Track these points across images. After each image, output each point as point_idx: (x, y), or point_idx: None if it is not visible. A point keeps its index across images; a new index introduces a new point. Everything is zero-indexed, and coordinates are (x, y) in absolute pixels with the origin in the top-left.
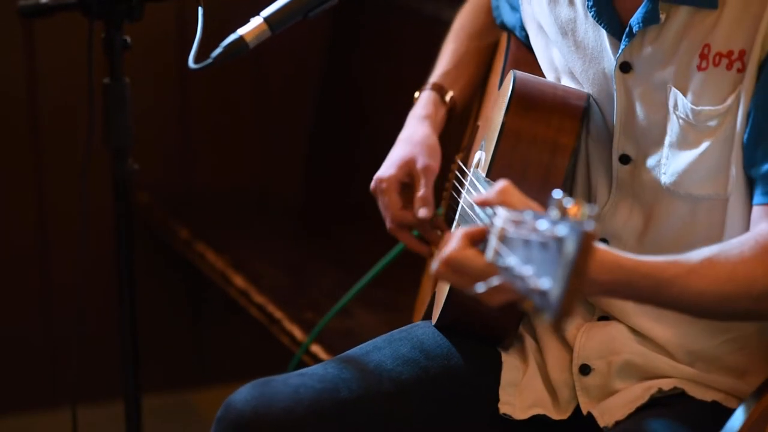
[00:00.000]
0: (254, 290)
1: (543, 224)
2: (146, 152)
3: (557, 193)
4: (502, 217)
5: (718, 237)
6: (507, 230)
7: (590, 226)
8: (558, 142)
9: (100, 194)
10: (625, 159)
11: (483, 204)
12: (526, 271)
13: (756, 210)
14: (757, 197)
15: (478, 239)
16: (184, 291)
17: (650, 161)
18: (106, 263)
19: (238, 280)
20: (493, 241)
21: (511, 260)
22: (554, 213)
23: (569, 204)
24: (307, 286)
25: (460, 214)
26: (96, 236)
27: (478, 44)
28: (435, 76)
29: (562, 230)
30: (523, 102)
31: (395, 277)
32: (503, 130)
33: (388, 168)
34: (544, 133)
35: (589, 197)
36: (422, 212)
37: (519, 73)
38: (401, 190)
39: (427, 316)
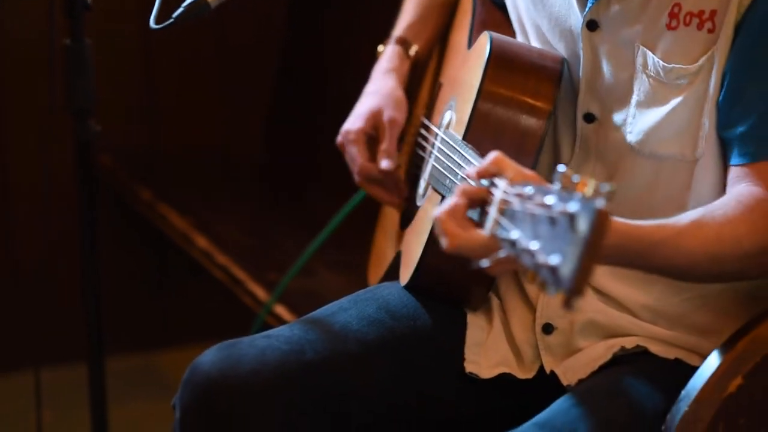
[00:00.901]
0: (217, 251)
1: (551, 199)
2: (109, 114)
3: (561, 167)
4: (502, 188)
5: (681, 198)
6: (508, 202)
7: (602, 204)
8: (535, 106)
9: (63, 156)
10: (589, 117)
11: (481, 175)
12: (533, 245)
13: (733, 170)
14: (734, 158)
15: (476, 202)
16: (148, 253)
17: (615, 120)
18: (70, 225)
19: (201, 242)
20: (492, 213)
21: (515, 233)
22: (560, 187)
23: (577, 179)
24: (270, 247)
25: (432, 175)
26: (59, 198)
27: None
28: (399, 29)
29: (573, 206)
30: (499, 65)
31: (357, 236)
32: (480, 94)
33: (354, 120)
34: (520, 97)
35: (554, 155)
36: (385, 164)
37: (495, 35)
38: (368, 142)
39: (390, 275)
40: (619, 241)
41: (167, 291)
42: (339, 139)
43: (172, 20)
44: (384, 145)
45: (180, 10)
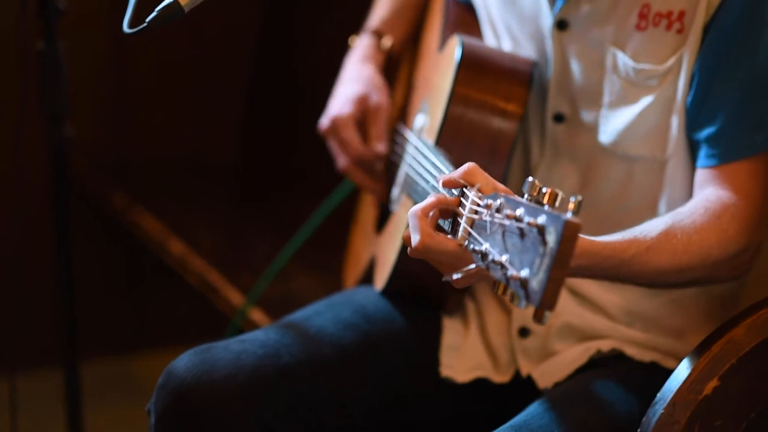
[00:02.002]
0: (191, 256)
1: (520, 211)
2: (82, 119)
3: (531, 179)
4: (472, 199)
5: (653, 200)
6: (478, 214)
7: (572, 216)
8: (506, 109)
9: (36, 161)
10: (559, 118)
11: (449, 185)
12: (503, 258)
13: (700, 173)
14: (701, 160)
15: (446, 215)
16: (122, 257)
17: (586, 120)
18: (44, 230)
19: (175, 247)
20: (463, 223)
21: (485, 245)
22: (529, 199)
23: (545, 190)
24: (245, 252)
25: (405, 181)
26: (33, 204)
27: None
28: (373, 22)
29: (541, 219)
30: (471, 69)
31: (332, 239)
32: (451, 98)
33: (342, 105)
34: (492, 100)
35: (525, 157)
36: (380, 147)
37: (465, 38)
38: (358, 128)
39: (366, 278)
40: (590, 261)
41: (142, 296)
42: (325, 125)
43: (145, 25)
44: (375, 129)
45: (153, 14)
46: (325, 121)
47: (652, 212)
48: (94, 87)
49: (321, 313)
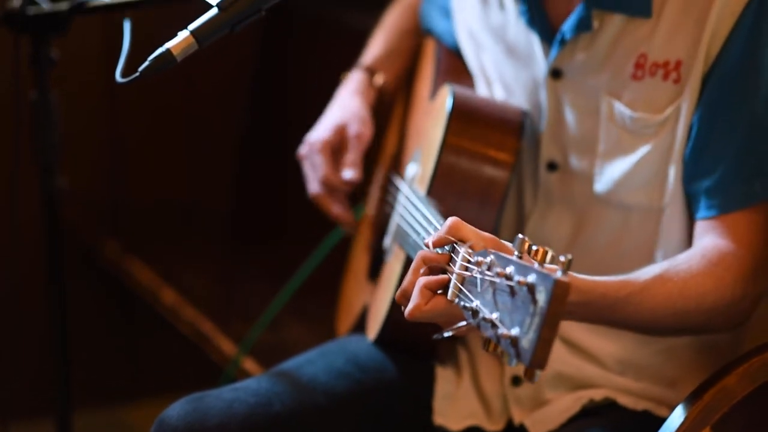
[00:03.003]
0: (184, 305)
1: (510, 269)
2: (75, 167)
3: (520, 236)
4: (462, 255)
5: (649, 248)
6: (469, 271)
7: (562, 275)
8: (498, 158)
9: (30, 210)
10: (552, 166)
11: (438, 244)
12: (494, 316)
13: (699, 224)
14: (700, 212)
15: (438, 287)
16: (115, 306)
17: (580, 169)
18: (37, 279)
19: (168, 296)
20: (453, 281)
21: (476, 303)
22: (519, 256)
23: (535, 248)
24: (238, 299)
25: (397, 231)
26: (26, 252)
27: (409, 43)
28: (366, 59)
29: (531, 277)
30: (462, 119)
31: (324, 288)
32: (443, 147)
33: (321, 131)
34: (483, 150)
35: (518, 205)
36: (349, 174)
37: (456, 88)
38: (332, 153)
39: (358, 326)
40: (583, 299)
41: (135, 344)
42: (302, 149)
43: (138, 74)
44: (349, 157)
45: (146, 63)
46: (303, 146)
47: (648, 261)
48: (86, 136)
49: (313, 362)
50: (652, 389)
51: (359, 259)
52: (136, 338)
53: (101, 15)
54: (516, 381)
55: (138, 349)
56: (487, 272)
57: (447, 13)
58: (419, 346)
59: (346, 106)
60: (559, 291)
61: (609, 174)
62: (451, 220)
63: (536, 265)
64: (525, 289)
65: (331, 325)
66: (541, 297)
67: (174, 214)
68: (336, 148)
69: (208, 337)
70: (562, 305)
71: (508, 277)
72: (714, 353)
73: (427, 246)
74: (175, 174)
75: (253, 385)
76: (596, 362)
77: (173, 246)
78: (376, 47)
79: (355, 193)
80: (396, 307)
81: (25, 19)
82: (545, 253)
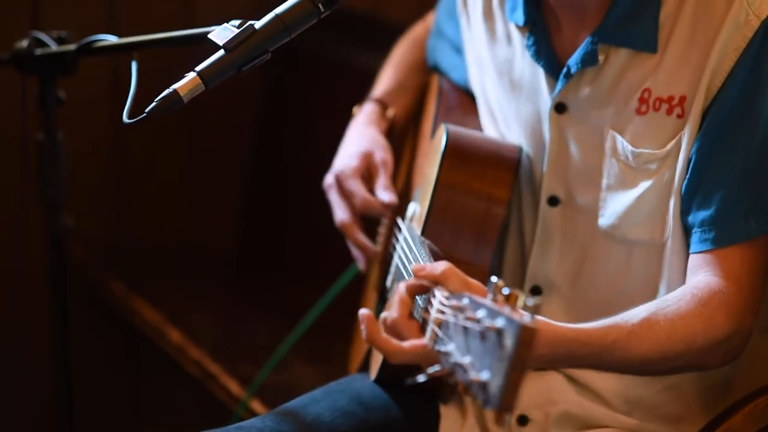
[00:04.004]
0: (190, 345)
1: (481, 313)
2: (82, 207)
3: (494, 279)
4: (438, 299)
5: (654, 282)
6: (445, 315)
7: (529, 320)
8: (493, 195)
9: (36, 249)
10: (553, 201)
11: (411, 292)
12: (465, 360)
13: (693, 258)
14: (694, 245)
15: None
16: (121, 346)
17: (583, 203)
18: (42, 319)
19: (174, 336)
20: (431, 324)
21: (450, 347)
22: (492, 300)
23: (507, 292)
24: (244, 340)
25: (396, 270)
26: (31, 291)
27: (417, 79)
28: (376, 93)
29: (499, 322)
30: (456, 157)
31: (331, 329)
32: (437, 186)
33: (348, 160)
34: (478, 187)
35: (520, 242)
36: (388, 197)
37: (451, 126)
38: (363, 181)
39: (364, 366)
40: (565, 348)
41: (141, 384)
42: (329, 179)
43: (144, 114)
44: (381, 181)
45: (153, 104)
46: (329, 177)
47: (652, 296)
48: (93, 176)
49: (318, 401)
50: (658, 428)
51: (369, 299)
52: (142, 377)
53: (109, 55)
54: (522, 420)
55: (143, 389)
56: (460, 316)
57: (458, 49)
58: (419, 385)
59: (365, 135)
60: (526, 336)
61: (612, 208)
62: (441, 264)
63: (507, 310)
64: (494, 333)
65: (339, 366)
66: (508, 342)
67: (180, 254)
68: (365, 175)
69: (214, 376)
70: (528, 350)
71: (479, 321)
72: (718, 391)
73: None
74: (180, 214)
75: (257, 424)
76: (603, 402)
77: (179, 286)
78: (386, 81)
79: (368, 232)
80: None
81: (32, 59)
82: (516, 296)
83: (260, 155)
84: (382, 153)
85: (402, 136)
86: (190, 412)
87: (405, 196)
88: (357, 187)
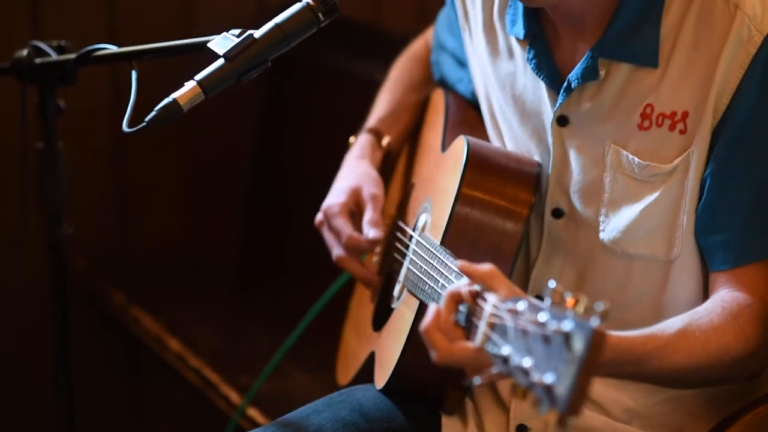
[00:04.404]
0: (190, 354)
1: (544, 316)
2: (82, 216)
3: (552, 283)
4: (492, 302)
5: (656, 298)
6: (500, 318)
7: (597, 323)
8: (512, 211)
9: (36, 258)
10: (557, 213)
11: (469, 275)
12: (526, 362)
13: (714, 276)
14: (714, 264)
15: (460, 303)
16: (121, 355)
17: (586, 216)
18: (43, 328)
19: (174, 344)
20: (482, 327)
21: (507, 349)
22: (551, 304)
23: (569, 297)
24: (242, 349)
25: (408, 278)
26: (31, 300)
27: (414, 97)
28: (371, 121)
29: (567, 325)
30: (476, 170)
31: (329, 337)
32: (458, 198)
33: (336, 196)
34: (498, 201)
35: (524, 252)
36: (373, 233)
37: (471, 139)
38: (351, 217)
39: (363, 375)
40: (613, 354)
41: (141, 392)
42: (319, 217)
43: (144, 124)
44: (369, 216)
45: (152, 113)
46: (319, 214)
47: (655, 312)
48: (93, 185)
49: (319, 412)
50: None
51: (362, 309)
52: (142, 385)
53: (109, 65)
54: (521, 430)
55: (143, 398)
56: (519, 319)
57: (461, 61)
58: (428, 393)
59: (357, 169)
60: (597, 339)
61: (614, 222)
62: (486, 266)
63: (572, 313)
64: (561, 337)
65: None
66: (578, 345)
67: (180, 263)
68: (353, 210)
69: (214, 385)
70: (598, 353)
71: (542, 325)
72: (718, 403)
73: (457, 270)
74: (180, 223)
75: None
76: (603, 411)
77: (179, 295)
78: (381, 106)
79: None
80: (407, 354)
81: (32, 68)
82: (577, 300)
83: (260, 164)
84: (371, 188)
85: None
86: (189, 420)
87: (404, 206)
88: (342, 225)
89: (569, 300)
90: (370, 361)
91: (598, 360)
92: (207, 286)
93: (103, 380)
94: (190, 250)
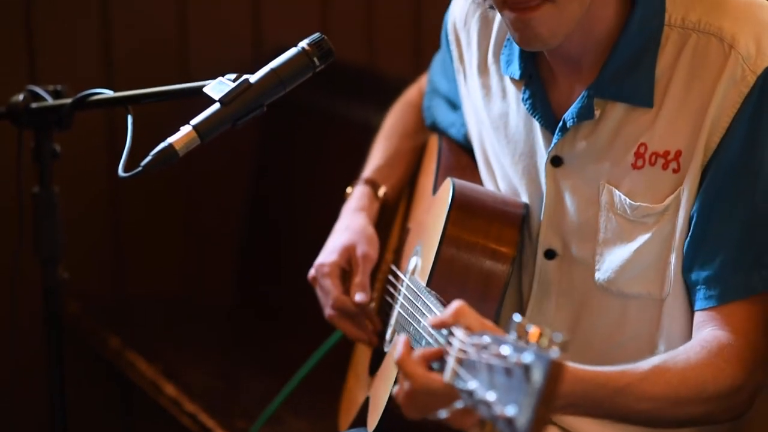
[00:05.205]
0: (185, 399)
1: (506, 349)
2: (77, 261)
3: (517, 317)
4: (459, 338)
5: (651, 337)
6: (466, 353)
7: (556, 354)
8: (498, 251)
9: (31, 303)
10: (550, 254)
11: (439, 326)
12: (490, 396)
13: (698, 315)
14: (699, 302)
15: (434, 360)
16: (116, 399)
17: (580, 257)
18: (38, 372)
19: (169, 389)
20: (450, 363)
21: (473, 384)
22: (515, 338)
23: (531, 329)
24: (239, 393)
25: (398, 322)
26: (27, 344)
27: (410, 144)
28: (368, 171)
29: (527, 357)
30: (462, 211)
31: (325, 382)
32: (443, 239)
33: (329, 254)
34: (484, 242)
35: (517, 293)
36: (359, 297)
37: (457, 181)
38: (341, 276)
39: (359, 420)
40: (582, 388)
41: None
42: (311, 273)
43: (140, 168)
44: (357, 279)
45: (148, 158)
46: (311, 270)
47: (650, 351)
48: (88, 229)
49: None
50: None
51: (361, 354)
52: (137, 430)
53: (105, 109)
54: None
55: None
56: (484, 353)
57: (454, 104)
58: None
59: (351, 225)
60: (554, 370)
61: (608, 262)
62: (455, 303)
63: (534, 345)
64: (521, 369)
65: (333, 420)
66: (536, 377)
67: (174, 309)
68: (345, 269)
69: (210, 430)
70: (556, 384)
71: (504, 358)
72: None
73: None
74: (175, 269)
75: None
76: None
77: (174, 340)
78: (377, 156)
79: None
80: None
81: (28, 113)
82: (540, 333)
83: (254, 208)
84: (364, 246)
85: (397, 202)
86: None
87: (399, 250)
88: (330, 287)
89: (532, 332)
90: (367, 405)
91: (557, 391)
92: (202, 330)
93: (99, 424)
94: (186, 294)
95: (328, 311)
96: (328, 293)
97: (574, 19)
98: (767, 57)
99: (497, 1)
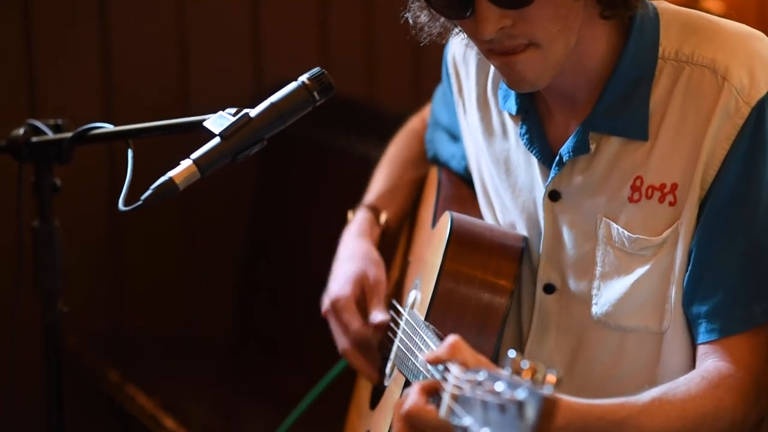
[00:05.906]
0: None
1: (500, 386)
2: (76, 295)
3: (512, 353)
4: (455, 374)
5: (650, 370)
6: (461, 389)
7: (551, 391)
8: (496, 284)
9: (31, 336)
10: (549, 288)
11: (435, 362)
12: None
13: (700, 348)
14: (701, 336)
15: (432, 393)
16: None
17: (578, 291)
18: (36, 406)
19: (169, 423)
20: (446, 399)
21: (467, 420)
22: (510, 374)
23: (526, 365)
24: (237, 427)
25: (397, 356)
26: (26, 378)
27: (412, 173)
28: (370, 197)
29: (521, 394)
30: (460, 245)
31: (325, 416)
32: (441, 273)
33: (342, 286)
34: (482, 276)
35: (516, 328)
36: (378, 316)
37: (455, 214)
38: (358, 308)
39: None
40: (580, 421)
41: None
42: (325, 306)
43: (140, 202)
44: (374, 302)
45: (148, 192)
46: (325, 303)
47: (650, 384)
48: (88, 263)
49: None
50: None
51: (362, 390)
52: None
53: (105, 143)
54: None
55: None
56: (479, 389)
57: (454, 136)
58: None
59: (358, 252)
60: (548, 407)
61: (606, 296)
62: (450, 338)
63: (527, 382)
64: (514, 405)
65: None
66: (530, 413)
67: (174, 343)
68: (360, 297)
69: None
70: (550, 421)
71: (499, 394)
72: None
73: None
74: (174, 303)
75: None
76: None
77: (174, 374)
78: (379, 183)
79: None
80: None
81: (29, 147)
82: (535, 369)
83: (254, 242)
84: (374, 271)
85: (398, 231)
86: None
87: (400, 284)
88: (351, 319)
89: (526, 369)
90: None
91: (550, 427)
92: (202, 364)
93: None
94: (185, 328)
95: (344, 344)
96: (348, 325)
97: (560, 61)
98: (761, 88)
99: (483, 49)
